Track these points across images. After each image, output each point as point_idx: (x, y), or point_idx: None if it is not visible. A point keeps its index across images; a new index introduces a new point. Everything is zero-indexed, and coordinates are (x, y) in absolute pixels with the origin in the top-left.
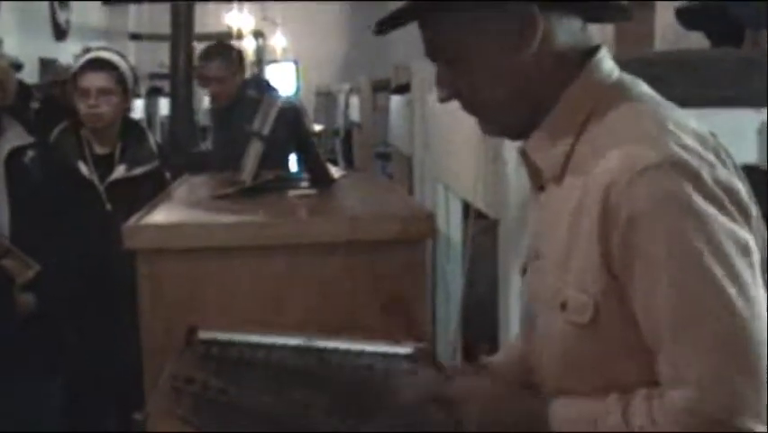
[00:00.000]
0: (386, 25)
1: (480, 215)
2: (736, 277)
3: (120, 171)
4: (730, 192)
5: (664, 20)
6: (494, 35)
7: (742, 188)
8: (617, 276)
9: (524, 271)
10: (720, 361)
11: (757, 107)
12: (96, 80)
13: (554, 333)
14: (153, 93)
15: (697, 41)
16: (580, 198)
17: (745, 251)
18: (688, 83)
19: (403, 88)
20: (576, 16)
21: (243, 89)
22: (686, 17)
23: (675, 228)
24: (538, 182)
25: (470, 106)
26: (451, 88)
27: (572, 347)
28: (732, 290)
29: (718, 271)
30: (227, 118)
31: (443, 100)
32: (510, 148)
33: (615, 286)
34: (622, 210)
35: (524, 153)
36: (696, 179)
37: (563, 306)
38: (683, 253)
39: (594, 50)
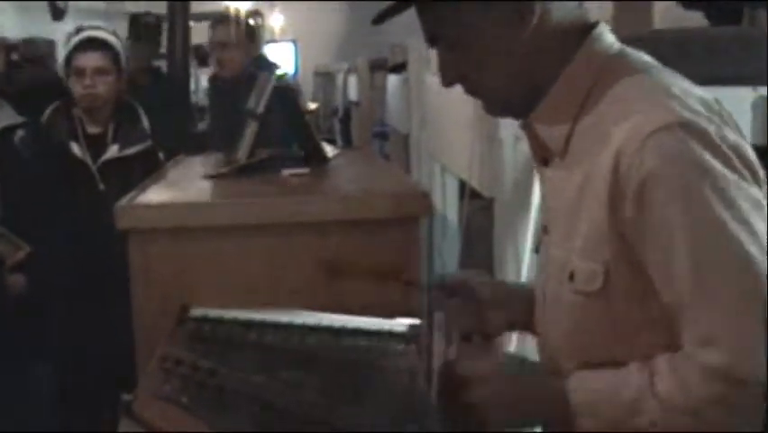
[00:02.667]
0: (386, 15)
1: (476, 193)
2: (752, 231)
3: (113, 151)
4: (738, 151)
5: (664, 0)
6: (493, 18)
7: (749, 148)
8: (629, 243)
9: (537, 249)
10: (747, 318)
11: (755, 85)
12: (91, 60)
13: (563, 304)
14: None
15: (696, 21)
16: (586, 168)
17: (756, 205)
18: (686, 61)
19: (400, 67)
20: None
21: (250, 67)
22: None
23: (689, 187)
24: (541, 157)
25: (473, 89)
26: (454, 73)
27: (581, 318)
28: (750, 246)
29: (735, 227)
30: (230, 95)
31: (447, 85)
32: (506, 128)
33: (626, 253)
34: (633, 175)
35: (528, 128)
36: (704, 138)
37: (571, 276)
38: (698, 210)
39: (593, 26)
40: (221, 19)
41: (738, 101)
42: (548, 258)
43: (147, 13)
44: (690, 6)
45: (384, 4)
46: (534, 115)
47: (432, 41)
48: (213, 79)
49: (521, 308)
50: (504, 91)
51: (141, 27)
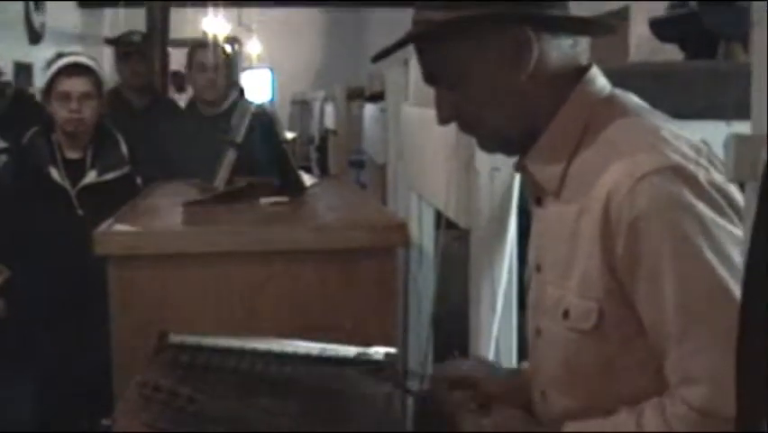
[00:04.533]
0: (385, 54)
1: (452, 224)
2: (738, 275)
3: (91, 177)
4: (725, 194)
5: (639, 32)
6: (491, 60)
7: (736, 191)
8: (621, 282)
9: (527, 286)
10: (730, 359)
11: (729, 120)
12: (76, 85)
13: (557, 342)
14: None
15: (671, 53)
16: (579, 209)
17: (742, 247)
18: (661, 94)
19: (377, 96)
20: (566, 34)
21: (233, 95)
22: (660, 29)
23: (677, 229)
24: (536, 196)
25: (468, 127)
26: (451, 111)
27: (575, 355)
28: (736, 288)
29: (721, 270)
30: (212, 120)
31: (443, 123)
32: (483, 158)
33: (618, 292)
34: (624, 217)
35: (523, 169)
36: (693, 182)
37: (566, 314)
38: (686, 253)
39: (586, 68)
40: (201, 43)
41: (714, 137)
42: (541, 295)
43: (132, 32)
44: (666, 39)
45: (361, 29)
46: (529, 157)
47: (429, 79)
48: (192, 104)
49: (524, 398)
50: (501, 130)
51: (130, 45)
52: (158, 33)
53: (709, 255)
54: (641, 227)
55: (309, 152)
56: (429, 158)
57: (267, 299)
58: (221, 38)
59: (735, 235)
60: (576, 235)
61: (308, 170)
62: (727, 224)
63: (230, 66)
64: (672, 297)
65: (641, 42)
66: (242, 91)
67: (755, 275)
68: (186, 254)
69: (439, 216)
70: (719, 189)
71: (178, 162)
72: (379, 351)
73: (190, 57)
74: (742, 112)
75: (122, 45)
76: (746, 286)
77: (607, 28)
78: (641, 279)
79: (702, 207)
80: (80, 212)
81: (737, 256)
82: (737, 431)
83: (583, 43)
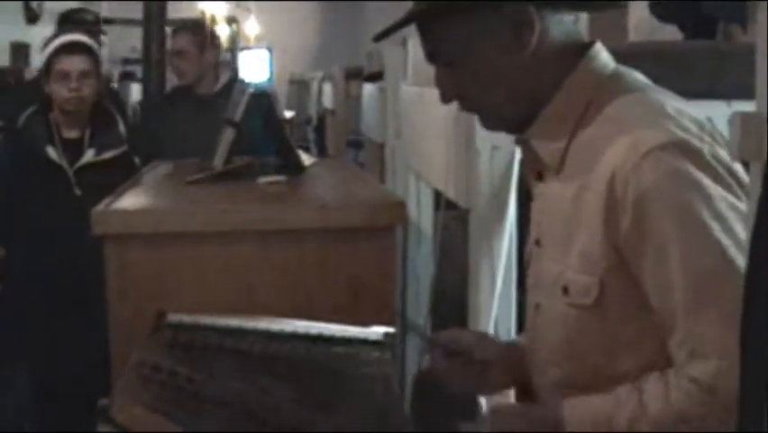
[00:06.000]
0: (387, 33)
1: (452, 204)
2: (743, 248)
3: (89, 156)
4: (730, 169)
5: (638, 13)
6: (493, 37)
7: (740, 167)
8: (625, 258)
9: (527, 262)
10: (736, 334)
11: (729, 100)
12: (76, 63)
13: (556, 318)
14: (125, 78)
15: (670, 34)
16: (581, 184)
17: (747, 221)
18: (660, 75)
19: (376, 76)
20: (568, 10)
21: (231, 81)
22: (659, 10)
23: (683, 204)
24: (536, 172)
25: (470, 105)
26: (452, 90)
27: (575, 331)
28: (742, 263)
29: (728, 245)
30: (209, 108)
31: (446, 101)
32: (482, 138)
33: (621, 267)
34: (629, 193)
35: (524, 144)
36: (698, 157)
37: (565, 290)
38: (692, 227)
39: (589, 44)
40: (177, 28)
41: (715, 117)
42: (541, 271)
43: (83, 9)
44: (665, 20)
45: (360, 9)
46: (531, 131)
47: (431, 58)
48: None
49: (520, 367)
50: (502, 108)
51: (80, 25)
52: (156, 12)
53: (716, 230)
54: (646, 204)
55: (307, 132)
56: (428, 137)
57: (265, 278)
58: (219, 18)
59: (740, 210)
60: (577, 211)
61: (307, 150)
62: (733, 198)
63: (215, 48)
64: (678, 273)
65: (640, 23)
66: (236, 71)
67: (760, 254)
68: (184, 233)
69: (438, 195)
70: (724, 164)
71: (172, 143)
72: (377, 330)
73: (170, 40)
74: (743, 92)
75: (73, 23)
76: (751, 266)
77: (608, 4)
78: (647, 255)
79: (708, 182)
80: (78, 191)
81: (743, 231)
82: (739, 409)
83: (582, 20)
